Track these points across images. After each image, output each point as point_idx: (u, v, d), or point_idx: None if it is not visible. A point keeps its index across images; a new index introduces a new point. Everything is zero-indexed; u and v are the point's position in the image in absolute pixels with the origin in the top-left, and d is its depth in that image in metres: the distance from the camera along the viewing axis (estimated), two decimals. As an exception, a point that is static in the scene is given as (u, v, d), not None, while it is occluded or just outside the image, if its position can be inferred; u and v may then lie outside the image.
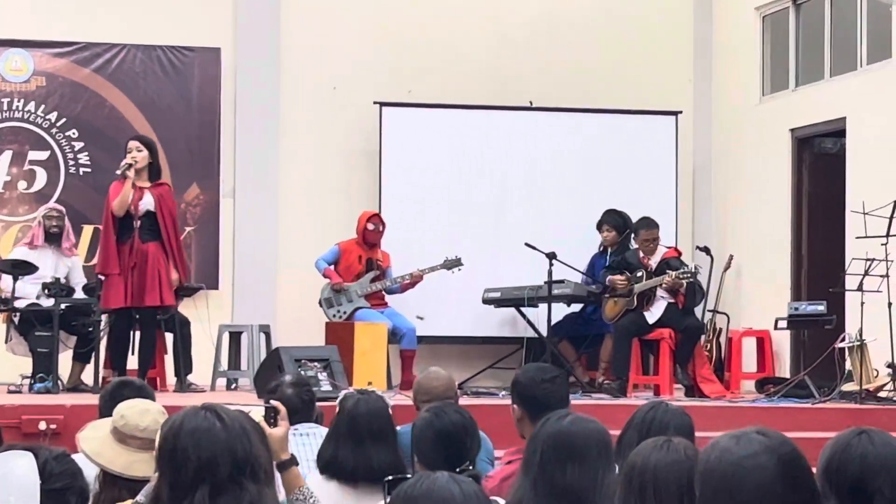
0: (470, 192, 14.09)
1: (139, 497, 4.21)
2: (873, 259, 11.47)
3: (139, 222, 11.17)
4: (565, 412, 4.67)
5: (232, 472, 3.58)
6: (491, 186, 14.13)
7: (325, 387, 9.99)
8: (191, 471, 3.58)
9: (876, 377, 11.69)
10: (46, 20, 13.82)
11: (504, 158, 14.21)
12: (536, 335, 13.03)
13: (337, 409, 5.72)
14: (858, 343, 11.79)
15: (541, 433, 4.57)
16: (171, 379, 11.89)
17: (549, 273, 12.34)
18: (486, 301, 13.41)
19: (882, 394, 11.45)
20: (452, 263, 12.97)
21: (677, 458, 3.73)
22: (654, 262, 12.44)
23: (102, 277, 11.21)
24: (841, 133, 13.15)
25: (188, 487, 3.57)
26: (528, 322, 13.15)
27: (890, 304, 11.43)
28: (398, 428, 5.95)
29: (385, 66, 14.41)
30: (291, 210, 14.20)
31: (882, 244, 11.44)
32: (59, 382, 11.22)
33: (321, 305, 12.91)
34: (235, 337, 12.58)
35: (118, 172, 11.28)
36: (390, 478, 4.17)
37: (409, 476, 3.60)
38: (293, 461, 4.52)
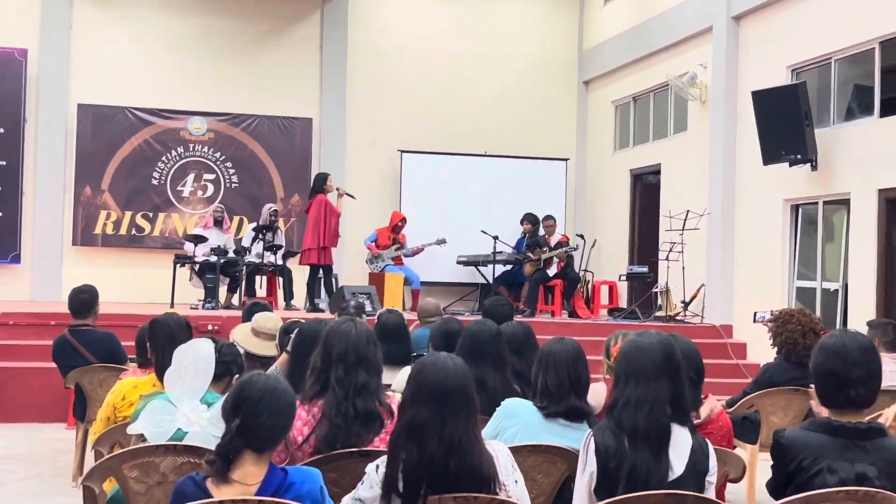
0: (450, 202, 13.95)
1: (270, 369, 4.15)
2: (675, 242, 11.52)
3: None
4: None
5: (355, 362, 3.46)
6: (462, 198, 13.99)
7: (369, 308, 9.94)
8: (334, 355, 3.46)
9: (675, 308, 11.75)
10: (215, 99, 13.67)
11: (470, 183, 14.06)
12: (486, 282, 13.04)
13: (376, 321, 5.67)
14: (665, 289, 11.93)
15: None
16: (280, 302, 11.83)
17: (494, 247, 12.29)
18: (458, 262, 13.34)
19: (679, 317, 11.49)
20: (440, 241, 12.90)
21: (566, 348, 3.74)
22: (553, 242, 12.45)
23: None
24: (658, 172, 13.14)
25: (329, 367, 3.47)
26: (482, 275, 13.15)
27: (683, 268, 11.49)
28: (410, 330, 5.94)
29: (404, 128, 14.28)
30: (351, 210, 14.02)
31: (679, 234, 11.48)
32: (218, 303, 11.22)
33: (367, 263, 12.87)
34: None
35: (343, 192, 11.52)
36: (415, 353, 4.13)
37: (424, 354, 3.57)
38: None
